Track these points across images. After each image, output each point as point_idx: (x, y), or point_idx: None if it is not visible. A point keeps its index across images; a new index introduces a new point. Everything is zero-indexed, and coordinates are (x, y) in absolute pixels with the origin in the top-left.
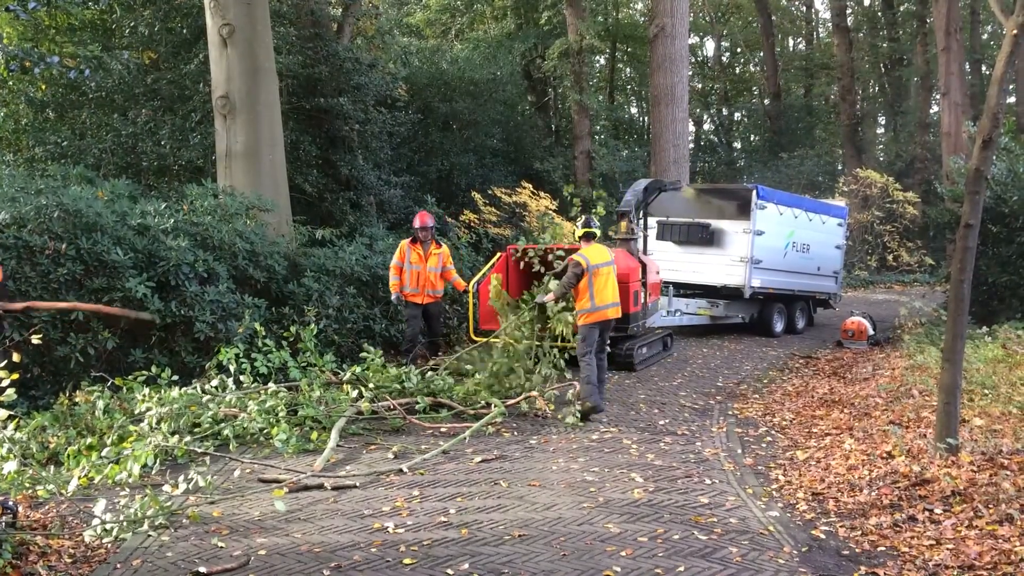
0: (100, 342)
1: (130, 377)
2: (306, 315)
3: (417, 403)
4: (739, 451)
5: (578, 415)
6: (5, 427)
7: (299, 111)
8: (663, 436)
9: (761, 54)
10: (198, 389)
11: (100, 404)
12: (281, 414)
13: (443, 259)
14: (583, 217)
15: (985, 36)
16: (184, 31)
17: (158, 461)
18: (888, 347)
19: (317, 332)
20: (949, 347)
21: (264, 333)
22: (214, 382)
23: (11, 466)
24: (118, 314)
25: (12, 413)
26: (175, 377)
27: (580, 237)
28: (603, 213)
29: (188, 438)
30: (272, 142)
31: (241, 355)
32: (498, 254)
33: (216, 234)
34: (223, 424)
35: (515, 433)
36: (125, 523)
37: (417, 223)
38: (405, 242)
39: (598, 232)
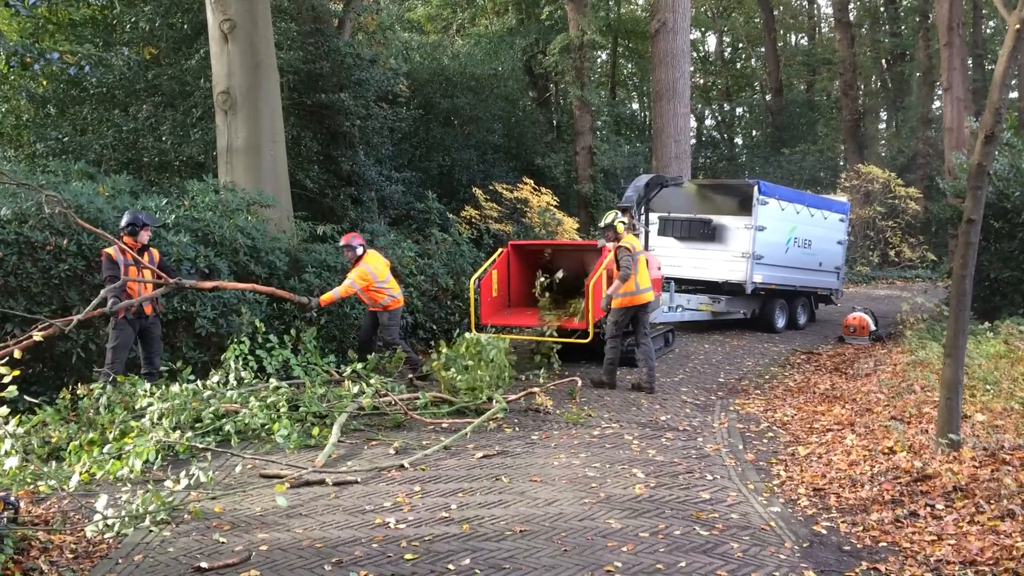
0: (102, 338)
1: (132, 374)
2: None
3: (418, 399)
4: (740, 447)
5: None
6: (7, 423)
7: (300, 107)
8: (664, 432)
9: (763, 49)
10: (199, 385)
11: (103, 400)
12: (282, 410)
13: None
14: (614, 212)
15: (988, 31)
16: (185, 27)
17: (160, 457)
18: (890, 343)
19: (319, 328)
20: (951, 343)
21: (264, 329)
22: (215, 377)
23: (13, 462)
24: (286, 296)
25: (20, 407)
26: (191, 376)
27: (612, 231)
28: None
29: (190, 434)
30: (273, 138)
31: (244, 352)
32: (499, 250)
33: (217, 230)
34: (224, 420)
35: (516, 429)
36: (127, 519)
37: (341, 242)
38: None
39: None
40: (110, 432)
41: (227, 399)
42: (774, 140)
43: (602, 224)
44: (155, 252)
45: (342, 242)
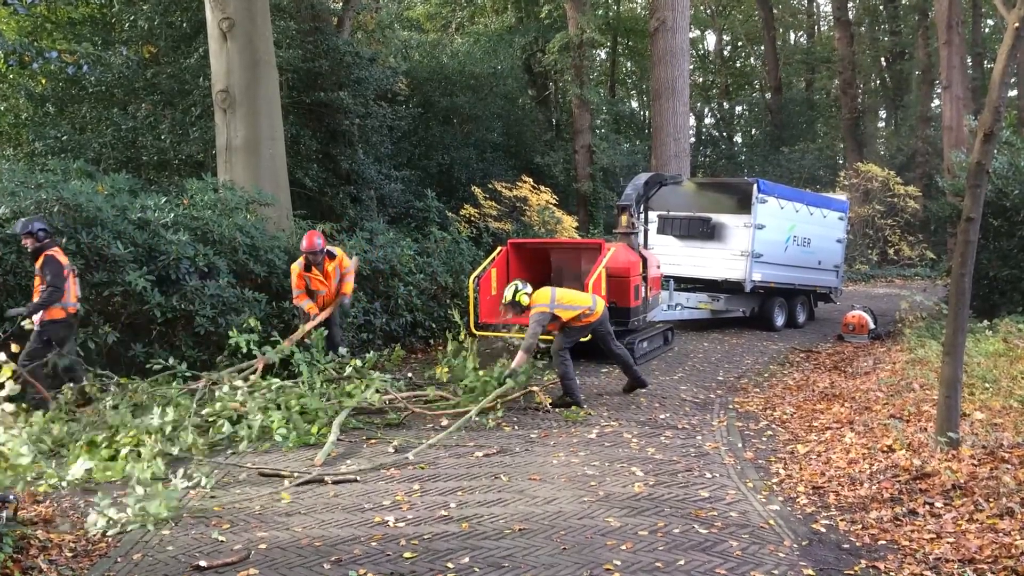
0: (101, 336)
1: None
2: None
3: (426, 395)
4: (740, 445)
5: (560, 405)
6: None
7: (299, 105)
8: (664, 430)
9: (762, 48)
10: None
11: (110, 401)
12: (292, 407)
13: (340, 269)
14: (512, 287)
15: (987, 30)
16: (184, 25)
17: (157, 460)
18: (889, 341)
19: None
20: (950, 341)
21: (261, 327)
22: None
23: (24, 459)
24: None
25: (16, 409)
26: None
27: (515, 302)
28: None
29: (191, 437)
30: (272, 136)
31: (253, 344)
32: (498, 248)
33: (216, 228)
34: (236, 427)
35: (516, 427)
36: (131, 516)
37: (304, 245)
38: (299, 269)
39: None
40: (120, 432)
41: (229, 398)
42: (773, 138)
43: (504, 303)
44: (56, 254)
45: (320, 247)
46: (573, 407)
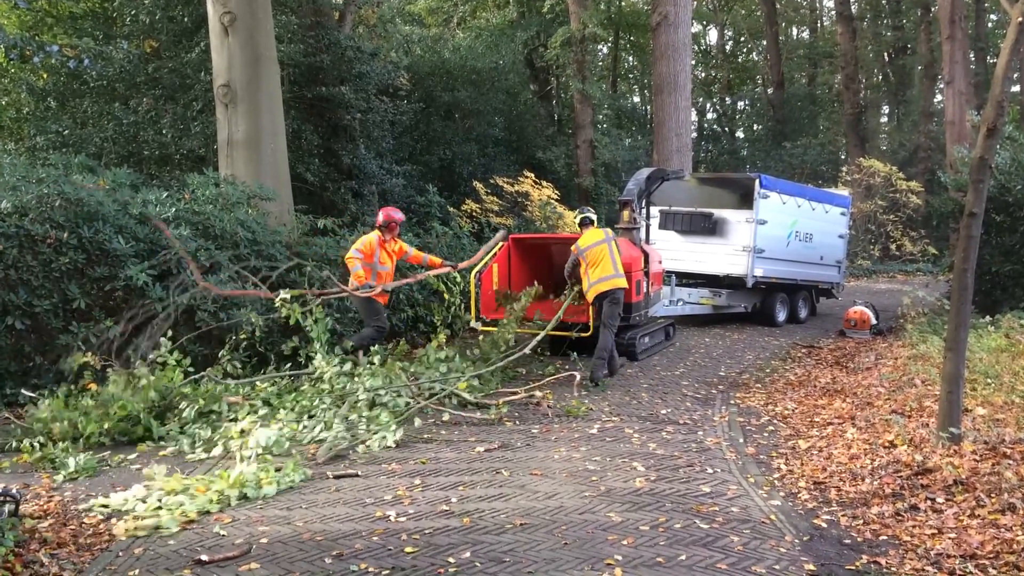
0: (102, 331)
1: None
2: (308, 305)
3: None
4: (741, 440)
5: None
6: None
7: (301, 100)
8: (665, 425)
9: (764, 43)
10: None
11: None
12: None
13: (402, 250)
14: (580, 207)
15: (990, 25)
16: (185, 19)
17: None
18: (891, 336)
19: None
20: (952, 336)
21: (261, 324)
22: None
23: (266, 433)
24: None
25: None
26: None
27: (579, 225)
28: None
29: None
30: (273, 131)
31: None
32: (499, 244)
33: (217, 223)
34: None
35: (517, 422)
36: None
37: (390, 217)
38: (375, 238)
39: (594, 218)
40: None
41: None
42: (775, 134)
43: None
44: None
45: (398, 219)
46: (575, 402)
